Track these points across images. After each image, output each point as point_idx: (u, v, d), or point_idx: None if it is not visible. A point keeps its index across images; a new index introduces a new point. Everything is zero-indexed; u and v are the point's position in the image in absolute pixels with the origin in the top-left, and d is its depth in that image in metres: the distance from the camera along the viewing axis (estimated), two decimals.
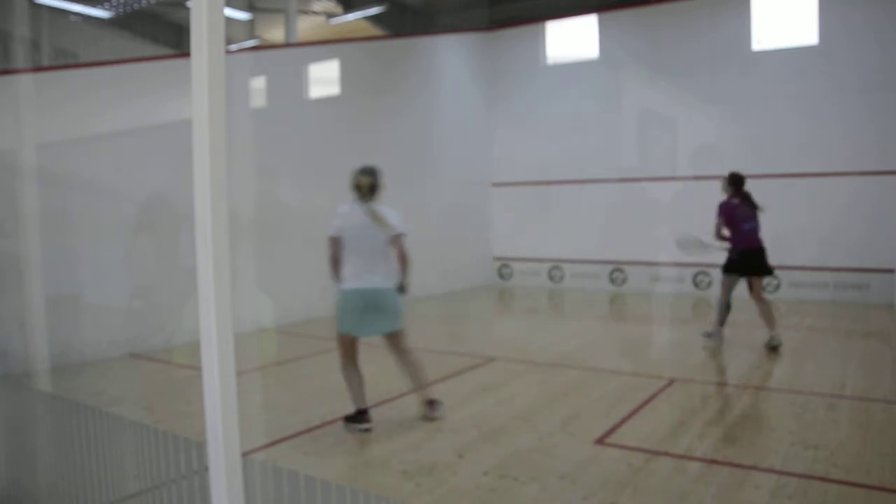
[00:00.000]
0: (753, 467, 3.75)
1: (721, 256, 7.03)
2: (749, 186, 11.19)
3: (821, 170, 10.22)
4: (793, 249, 10.43)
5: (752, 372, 6.02)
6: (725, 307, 6.96)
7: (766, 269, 6.90)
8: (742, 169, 10.64)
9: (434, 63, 11.92)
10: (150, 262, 7.27)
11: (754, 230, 6.89)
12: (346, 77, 10.18)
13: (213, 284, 1.78)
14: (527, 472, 3.76)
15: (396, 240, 4.51)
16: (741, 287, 6.94)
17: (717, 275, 10.90)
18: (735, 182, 7.01)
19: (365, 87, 10.47)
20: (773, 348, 6.71)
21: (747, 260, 6.82)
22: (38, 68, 8.59)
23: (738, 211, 6.88)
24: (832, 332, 8.13)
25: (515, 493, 3.50)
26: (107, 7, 13.10)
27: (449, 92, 12.15)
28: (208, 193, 1.76)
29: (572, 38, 12.35)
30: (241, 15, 13.78)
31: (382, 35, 13.17)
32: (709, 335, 7.07)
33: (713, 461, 3.88)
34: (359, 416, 4.56)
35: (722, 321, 7.00)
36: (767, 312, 6.82)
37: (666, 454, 4.00)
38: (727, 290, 6.94)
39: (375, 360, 5.79)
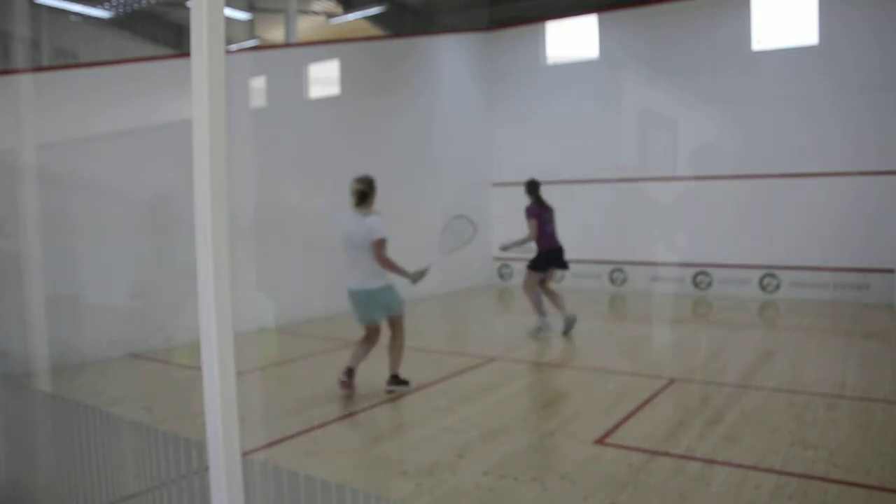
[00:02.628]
0: (753, 467, 3.75)
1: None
2: (749, 186, 11.26)
3: (821, 170, 10.22)
4: (793, 249, 10.44)
5: (753, 372, 6.03)
6: (539, 299, 7.82)
7: (563, 265, 8.03)
8: (742, 169, 10.77)
9: (434, 63, 11.92)
10: (150, 261, 7.27)
11: (554, 232, 7.98)
12: (346, 77, 10.18)
13: (213, 284, 1.78)
14: (527, 472, 3.76)
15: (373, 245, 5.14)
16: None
17: (717, 274, 10.99)
18: (532, 189, 8.06)
19: (365, 88, 10.47)
20: (568, 328, 7.65)
21: (550, 258, 7.84)
22: (38, 68, 8.60)
23: (543, 215, 7.92)
24: (832, 332, 8.12)
25: (515, 493, 3.50)
26: (107, 7, 13.10)
27: (449, 92, 12.15)
28: (208, 193, 1.76)
29: (572, 38, 12.34)
30: (241, 15, 13.78)
31: (382, 35, 13.18)
32: (538, 329, 7.70)
33: (713, 461, 3.88)
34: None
35: (541, 310, 7.78)
36: (559, 300, 7.80)
37: (666, 454, 4.00)
38: (534, 284, 7.84)
39: (372, 362, 5.80)
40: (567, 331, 7.65)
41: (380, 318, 5.35)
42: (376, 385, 5.45)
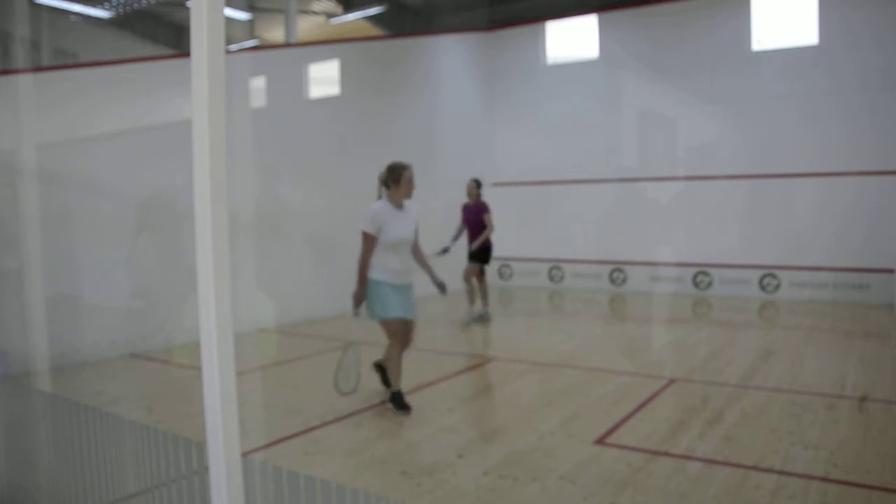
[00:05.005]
0: (753, 467, 3.75)
1: None
2: (749, 186, 11.27)
3: (821, 170, 10.22)
4: (793, 249, 10.44)
5: (753, 372, 6.03)
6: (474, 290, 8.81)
7: (487, 258, 8.75)
8: (742, 169, 10.76)
9: (434, 63, 11.92)
10: (150, 262, 7.27)
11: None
12: (345, 77, 10.18)
13: (213, 284, 1.77)
14: (527, 472, 3.76)
15: None
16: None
17: (717, 274, 10.99)
18: (479, 186, 8.76)
19: (365, 88, 10.47)
20: (478, 320, 8.67)
21: (477, 252, 8.61)
22: (38, 68, 8.59)
23: (464, 213, 8.70)
24: (832, 332, 8.13)
25: (515, 493, 3.50)
26: (107, 7, 13.10)
27: (449, 92, 12.15)
28: (208, 193, 1.76)
29: (572, 38, 12.34)
30: (241, 15, 13.78)
31: (382, 35, 13.17)
32: (480, 317, 8.73)
33: (713, 461, 3.88)
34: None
35: (479, 299, 8.83)
36: (484, 291, 8.86)
37: (666, 454, 4.00)
38: (471, 276, 8.71)
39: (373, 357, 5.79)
40: (477, 320, 8.67)
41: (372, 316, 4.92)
42: (379, 386, 5.44)
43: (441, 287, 5.25)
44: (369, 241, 4.75)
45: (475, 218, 8.62)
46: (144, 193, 7.24)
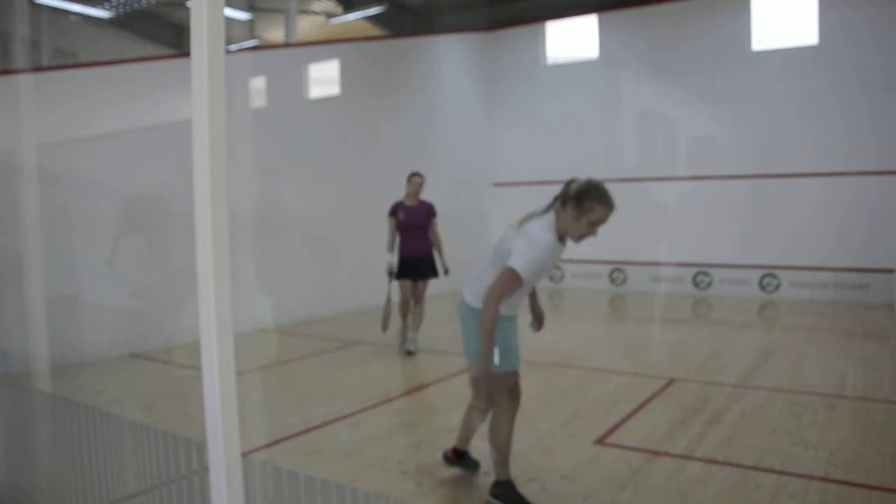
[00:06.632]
0: (753, 467, 3.75)
1: None
2: (749, 186, 11.23)
3: (821, 170, 10.23)
4: (793, 249, 10.44)
5: (753, 372, 6.03)
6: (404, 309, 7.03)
7: (430, 273, 6.99)
8: (742, 169, 10.75)
9: (434, 63, 11.92)
10: (146, 262, 7.27)
11: (419, 236, 6.96)
12: (345, 77, 10.18)
13: (212, 284, 1.77)
14: (527, 472, 3.76)
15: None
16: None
17: (717, 274, 10.99)
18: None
19: (365, 88, 10.47)
20: (408, 353, 6.85)
21: (408, 265, 6.92)
22: (38, 68, 8.60)
23: (407, 216, 6.90)
24: (832, 332, 8.12)
25: None
26: (107, 7, 13.10)
27: (449, 92, 12.15)
28: (208, 193, 1.75)
29: (572, 38, 12.35)
30: (241, 15, 13.78)
31: (382, 35, 13.17)
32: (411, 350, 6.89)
33: (713, 461, 3.88)
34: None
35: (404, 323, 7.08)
36: (420, 315, 6.99)
37: (666, 454, 4.00)
38: (401, 292, 6.98)
39: (372, 362, 5.81)
40: (408, 351, 6.86)
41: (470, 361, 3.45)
42: (378, 386, 5.45)
43: None
44: (515, 284, 3.09)
45: (425, 220, 7.00)
46: (128, 193, 7.21)
